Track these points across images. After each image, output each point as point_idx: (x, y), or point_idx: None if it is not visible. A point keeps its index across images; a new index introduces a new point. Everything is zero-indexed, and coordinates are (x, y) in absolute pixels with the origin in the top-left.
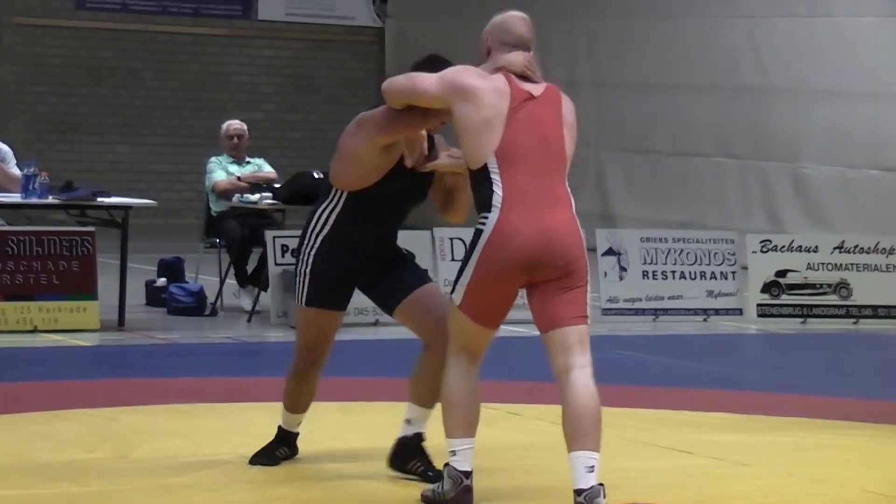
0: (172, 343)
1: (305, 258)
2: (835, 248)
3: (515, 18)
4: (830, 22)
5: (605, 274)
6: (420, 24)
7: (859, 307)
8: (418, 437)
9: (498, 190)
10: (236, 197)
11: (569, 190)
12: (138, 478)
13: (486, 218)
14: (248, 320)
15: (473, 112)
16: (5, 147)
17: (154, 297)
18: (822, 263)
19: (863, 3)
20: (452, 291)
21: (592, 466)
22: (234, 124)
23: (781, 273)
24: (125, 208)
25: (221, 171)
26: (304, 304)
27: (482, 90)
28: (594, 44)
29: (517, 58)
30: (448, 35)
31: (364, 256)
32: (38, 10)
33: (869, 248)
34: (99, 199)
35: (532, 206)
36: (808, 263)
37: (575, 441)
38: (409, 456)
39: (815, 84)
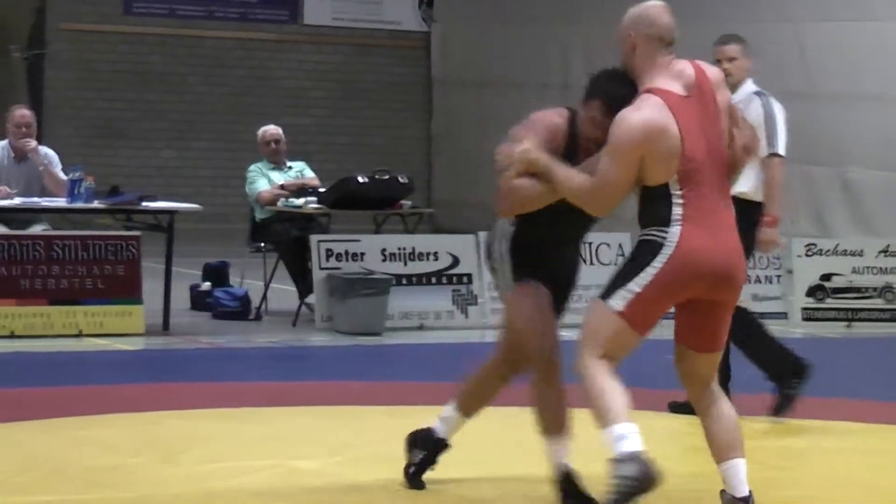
0: (217, 347)
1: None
2: (880, 252)
3: (656, 8)
4: (876, 26)
5: None
6: (466, 28)
7: None
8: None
9: (678, 207)
10: (281, 201)
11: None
12: (182, 483)
13: (666, 232)
14: (293, 324)
15: (660, 147)
16: (51, 152)
17: (199, 301)
18: (868, 267)
19: None
20: (606, 296)
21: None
22: (270, 129)
23: (826, 277)
24: (170, 213)
25: (263, 178)
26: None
27: (657, 122)
28: None
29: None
30: (494, 39)
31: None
32: (86, 15)
33: None
34: (144, 204)
35: (710, 223)
36: (854, 267)
37: (732, 450)
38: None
39: (861, 88)
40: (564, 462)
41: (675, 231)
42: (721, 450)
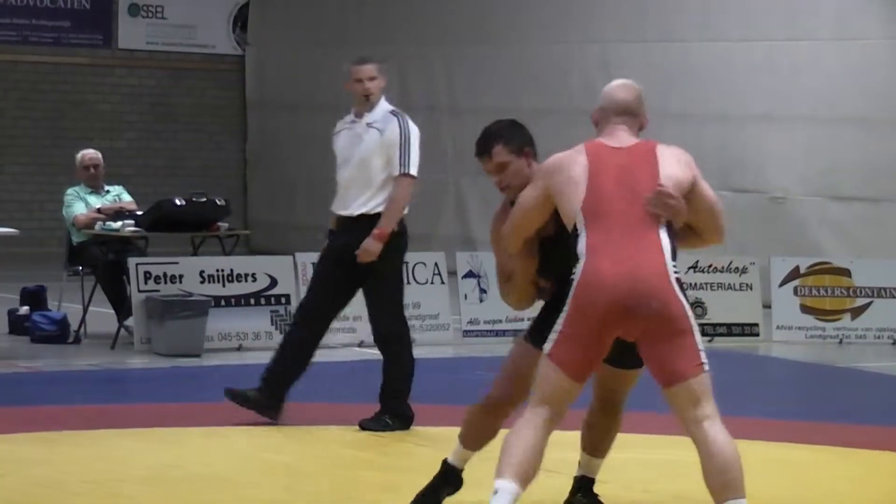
0: (36, 371)
1: None
2: (689, 268)
3: (616, 87)
4: (682, 47)
5: (466, 296)
6: (279, 51)
7: (714, 325)
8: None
9: (583, 240)
10: (98, 225)
11: (665, 238)
12: None
13: (576, 267)
14: (112, 347)
15: (560, 178)
16: None
17: (17, 325)
18: None
19: (714, 29)
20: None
21: None
22: (89, 153)
23: None
24: None
25: (80, 202)
26: None
27: (563, 158)
28: (451, 70)
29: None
30: (308, 63)
31: None
32: None
33: (723, 267)
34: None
35: (618, 253)
36: None
37: (728, 490)
38: None
39: (666, 107)
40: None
41: (580, 264)
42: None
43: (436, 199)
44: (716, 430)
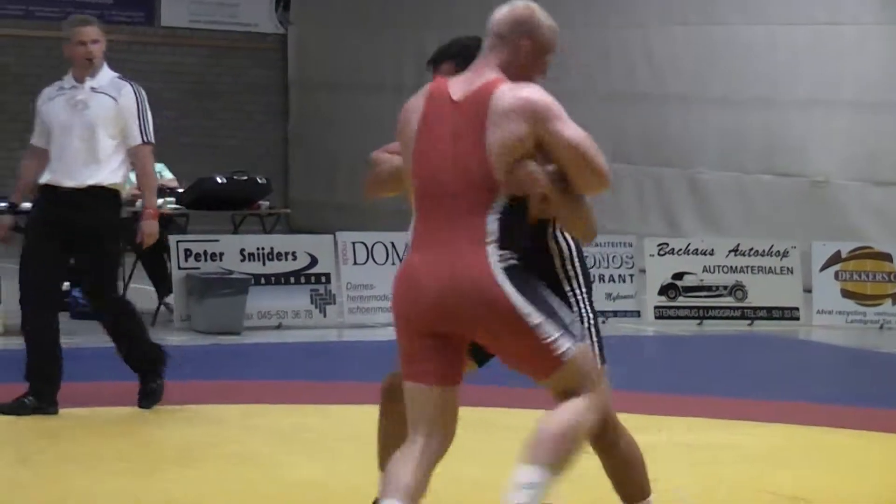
0: (75, 347)
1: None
2: (730, 252)
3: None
4: (723, 30)
5: None
6: (322, 31)
7: (754, 309)
8: None
9: (411, 225)
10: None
11: (491, 222)
12: (39, 483)
13: None
14: (152, 324)
15: (402, 137)
16: None
17: None
18: (718, 266)
19: (757, 11)
20: None
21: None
22: None
23: (678, 276)
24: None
25: None
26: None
27: (409, 106)
28: None
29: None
30: (349, 42)
31: None
32: None
33: (763, 251)
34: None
35: (433, 245)
36: (705, 266)
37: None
38: None
39: (709, 91)
40: None
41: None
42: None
43: None
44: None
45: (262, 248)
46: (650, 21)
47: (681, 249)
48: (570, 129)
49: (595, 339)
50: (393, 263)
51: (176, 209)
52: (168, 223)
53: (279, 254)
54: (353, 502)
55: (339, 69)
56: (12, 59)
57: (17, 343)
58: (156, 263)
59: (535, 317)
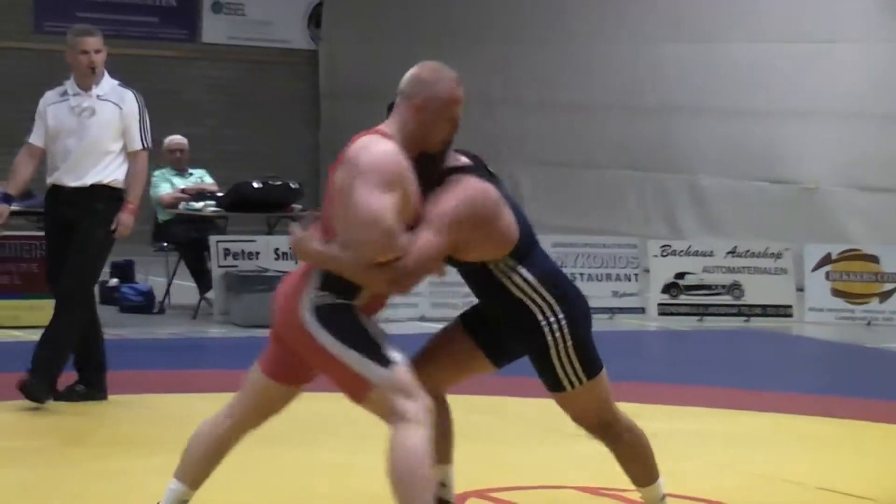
0: (123, 338)
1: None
2: (728, 253)
3: None
4: (727, 47)
5: None
6: (350, 45)
7: (750, 306)
8: None
9: None
10: (182, 205)
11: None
12: (91, 462)
13: None
14: (194, 317)
15: None
16: None
17: (107, 296)
18: (717, 266)
19: (757, 30)
20: None
21: None
22: (176, 139)
23: (680, 275)
24: None
25: (166, 183)
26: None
27: None
28: (510, 65)
29: None
30: (376, 57)
31: None
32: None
33: (759, 252)
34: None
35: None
36: (704, 266)
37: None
38: None
39: (710, 103)
40: None
41: None
42: None
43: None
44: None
45: None
46: (658, 38)
47: (682, 251)
48: (365, 194)
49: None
50: None
51: (216, 211)
52: (209, 225)
53: None
54: (377, 482)
55: (365, 81)
56: (67, 74)
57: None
58: (197, 262)
59: (333, 351)
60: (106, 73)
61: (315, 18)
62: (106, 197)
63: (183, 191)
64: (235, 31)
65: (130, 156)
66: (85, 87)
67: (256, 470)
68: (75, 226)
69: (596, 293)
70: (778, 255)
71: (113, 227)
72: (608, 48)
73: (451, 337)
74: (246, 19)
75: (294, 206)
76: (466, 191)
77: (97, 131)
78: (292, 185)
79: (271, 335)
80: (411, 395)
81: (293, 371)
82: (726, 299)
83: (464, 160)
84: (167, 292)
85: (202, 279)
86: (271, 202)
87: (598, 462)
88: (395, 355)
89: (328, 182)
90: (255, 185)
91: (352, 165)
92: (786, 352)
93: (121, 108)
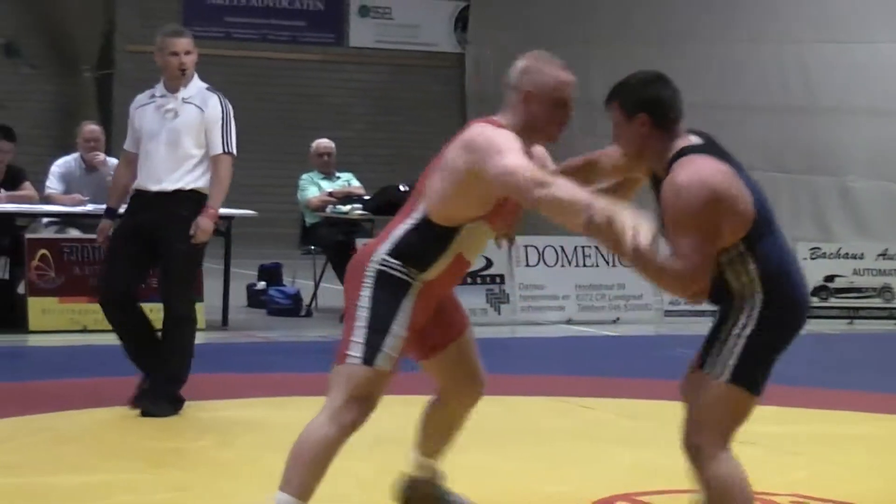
0: (271, 341)
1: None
2: (879, 255)
3: None
4: (869, 47)
5: None
6: (498, 49)
7: None
8: None
9: None
10: (329, 208)
11: (402, 228)
12: (242, 464)
13: None
14: (340, 320)
15: None
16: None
17: (255, 299)
18: (867, 269)
19: None
20: None
21: None
22: (323, 142)
23: (829, 278)
24: (228, 218)
25: (313, 186)
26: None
27: None
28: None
29: None
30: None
31: None
32: (149, 38)
33: None
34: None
35: None
36: (854, 269)
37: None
38: None
39: (857, 103)
40: None
41: None
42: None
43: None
44: (312, 421)
45: None
46: (804, 38)
47: (832, 253)
48: (501, 164)
49: None
50: (562, 266)
51: (362, 215)
52: (355, 228)
53: None
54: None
55: None
56: (216, 78)
57: (218, 337)
58: (344, 264)
59: (358, 313)
60: (196, 76)
61: (462, 21)
62: (190, 203)
63: (330, 194)
64: (382, 35)
65: (212, 160)
66: (173, 89)
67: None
68: (155, 233)
69: None
70: None
71: (191, 231)
72: (753, 47)
73: None
74: (393, 23)
75: None
76: (701, 173)
77: (178, 134)
78: None
79: None
80: (359, 399)
81: (428, 339)
82: (877, 302)
83: (694, 139)
84: (314, 295)
85: None
86: None
87: (751, 466)
88: (384, 361)
89: (438, 158)
90: (402, 188)
91: (473, 149)
92: None
93: (203, 111)
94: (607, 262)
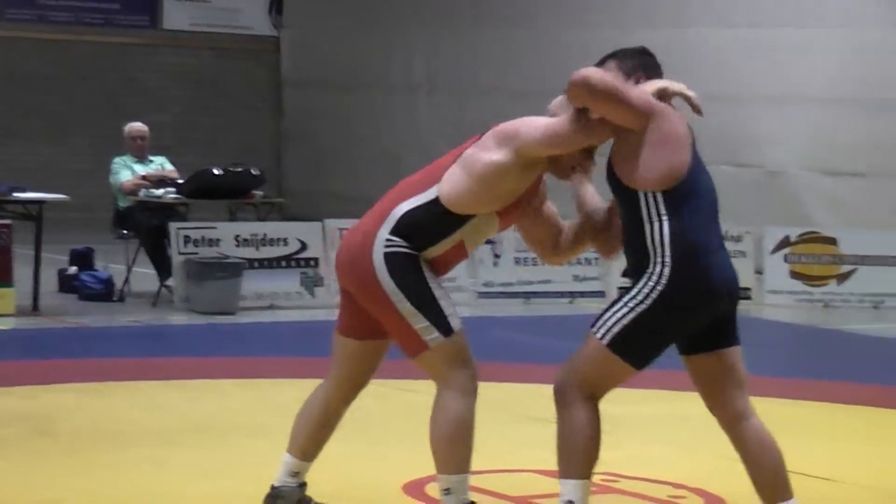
0: (83, 326)
1: None
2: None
3: None
4: (696, 32)
5: (481, 260)
6: (313, 33)
7: None
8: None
9: None
10: (143, 192)
11: (403, 207)
12: (61, 453)
13: None
14: (154, 305)
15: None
16: None
17: (66, 284)
18: None
19: (731, 15)
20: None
21: None
22: (136, 126)
23: None
24: (39, 203)
25: (126, 170)
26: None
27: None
28: (478, 51)
29: None
30: (341, 42)
31: None
32: None
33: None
34: (14, 195)
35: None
36: None
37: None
38: None
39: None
40: None
41: None
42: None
43: None
44: (437, 406)
45: (256, 235)
46: (628, 24)
47: None
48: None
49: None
50: None
51: (176, 198)
52: (169, 212)
53: (271, 240)
54: (359, 469)
55: (330, 68)
56: (34, 62)
57: (28, 323)
58: (157, 249)
59: (398, 300)
60: None
61: (277, 4)
62: None
63: (143, 178)
64: (197, 17)
65: None
66: None
67: (248, 462)
68: None
69: (557, 278)
70: (738, 239)
71: None
72: (565, 34)
73: None
74: (209, 5)
75: (255, 192)
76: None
77: None
78: (253, 172)
79: (341, 293)
80: (463, 364)
81: (368, 324)
82: None
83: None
84: (127, 280)
85: (162, 266)
86: (232, 189)
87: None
88: (455, 322)
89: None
90: (216, 171)
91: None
92: (744, 334)
93: None
94: None
